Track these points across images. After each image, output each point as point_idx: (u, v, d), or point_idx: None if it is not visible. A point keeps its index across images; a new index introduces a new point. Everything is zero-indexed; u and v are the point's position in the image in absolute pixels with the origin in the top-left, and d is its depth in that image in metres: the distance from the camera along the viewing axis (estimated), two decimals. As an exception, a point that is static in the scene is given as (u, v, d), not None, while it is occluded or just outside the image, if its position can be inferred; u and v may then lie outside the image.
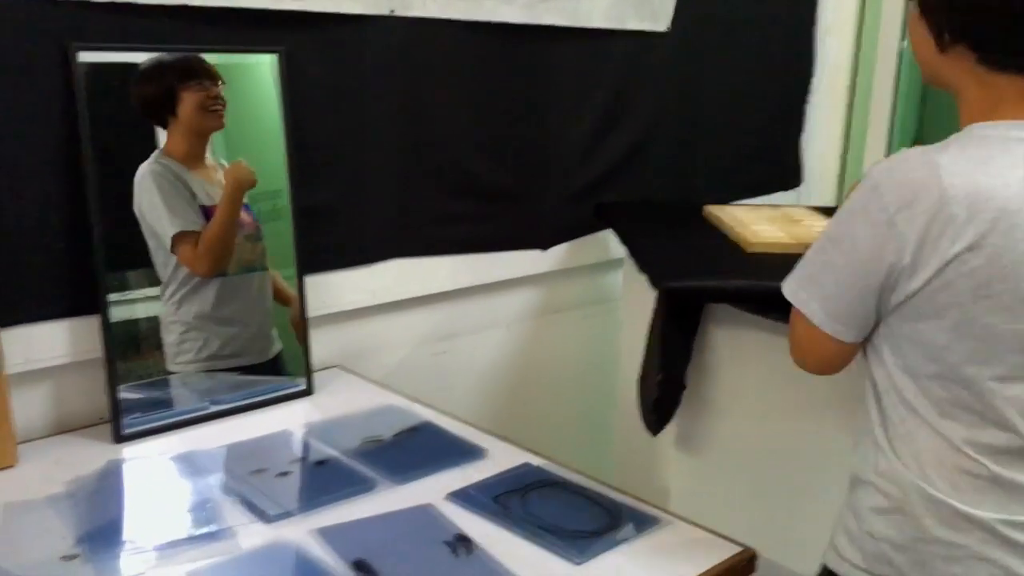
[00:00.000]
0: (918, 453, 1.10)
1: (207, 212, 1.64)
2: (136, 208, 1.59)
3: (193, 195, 1.63)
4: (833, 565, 1.21)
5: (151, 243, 1.60)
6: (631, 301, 2.14)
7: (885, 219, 1.05)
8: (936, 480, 1.09)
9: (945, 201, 1.02)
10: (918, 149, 1.08)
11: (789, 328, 1.21)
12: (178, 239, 1.60)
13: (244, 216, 1.70)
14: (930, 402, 1.09)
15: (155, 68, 1.59)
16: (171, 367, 1.65)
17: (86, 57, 1.47)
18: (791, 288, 1.17)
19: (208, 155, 1.68)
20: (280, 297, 1.79)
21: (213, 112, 1.64)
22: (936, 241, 1.03)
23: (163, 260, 1.61)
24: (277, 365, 1.80)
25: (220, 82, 1.64)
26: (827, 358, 1.18)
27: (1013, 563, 1.08)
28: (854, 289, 1.10)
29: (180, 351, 1.66)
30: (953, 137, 1.09)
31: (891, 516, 1.12)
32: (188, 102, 1.61)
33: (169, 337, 1.65)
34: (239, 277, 1.71)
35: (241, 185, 1.67)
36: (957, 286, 1.03)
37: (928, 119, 2.87)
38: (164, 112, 1.61)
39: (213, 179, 1.67)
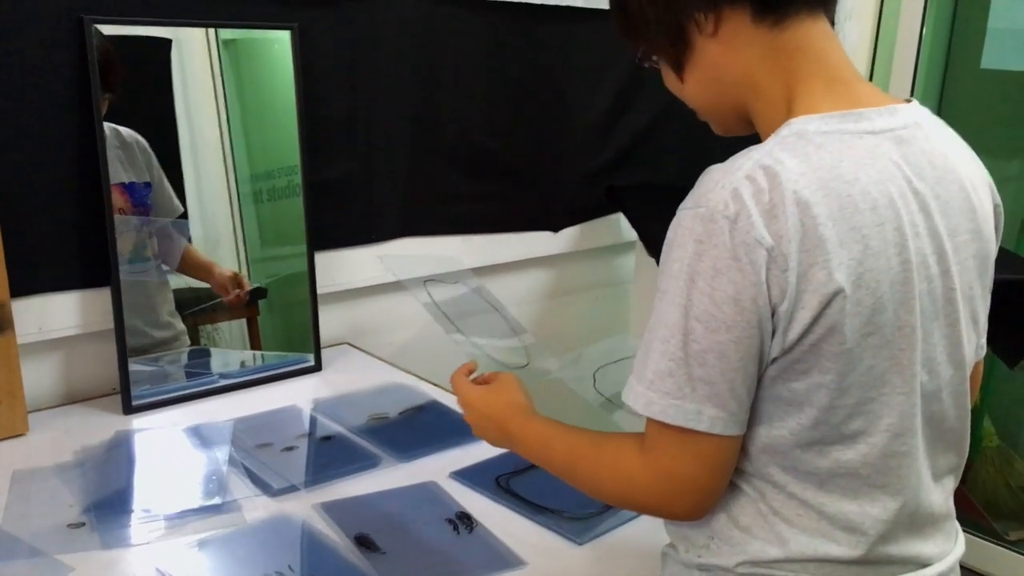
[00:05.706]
0: (783, 543, 0.84)
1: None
2: None
3: None
4: None
5: None
6: (642, 284, 2.14)
7: (756, 258, 0.76)
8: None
9: (809, 220, 0.76)
10: (728, 168, 0.83)
11: (643, 469, 0.85)
12: None
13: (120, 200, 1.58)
14: (804, 477, 0.84)
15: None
16: None
17: (101, 31, 1.48)
18: (662, 407, 0.80)
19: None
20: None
21: None
22: (809, 273, 0.76)
23: None
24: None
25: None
26: (728, 468, 0.84)
27: None
28: (747, 362, 0.79)
29: None
30: (770, 142, 0.83)
31: None
32: None
33: None
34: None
35: None
36: (843, 329, 0.78)
37: (947, 105, 2.84)
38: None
39: None
